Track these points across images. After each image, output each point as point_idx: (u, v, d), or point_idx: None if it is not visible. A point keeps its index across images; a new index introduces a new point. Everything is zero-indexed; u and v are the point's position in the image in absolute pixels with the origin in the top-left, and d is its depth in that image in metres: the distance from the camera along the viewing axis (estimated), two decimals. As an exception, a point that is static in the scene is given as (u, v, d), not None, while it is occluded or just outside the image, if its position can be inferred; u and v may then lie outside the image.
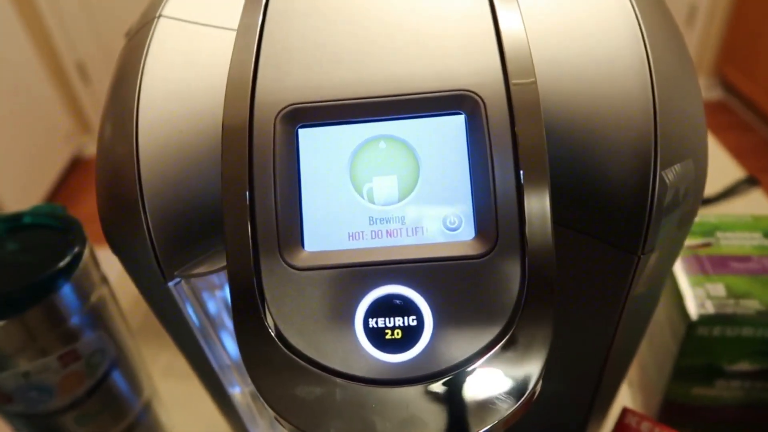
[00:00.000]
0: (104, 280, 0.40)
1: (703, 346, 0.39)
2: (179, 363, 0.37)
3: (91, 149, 2.32)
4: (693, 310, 0.38)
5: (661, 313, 0.43)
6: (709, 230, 0.43)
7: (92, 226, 0.38)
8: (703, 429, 0.44)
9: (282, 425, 0.22)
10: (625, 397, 0.50)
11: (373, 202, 0.22)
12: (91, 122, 2.38)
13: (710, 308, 0.38)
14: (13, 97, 1.98)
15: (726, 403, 0.42)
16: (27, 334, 0.34)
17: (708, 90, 2.36)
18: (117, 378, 0.40)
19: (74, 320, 0.36)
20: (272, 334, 0.22)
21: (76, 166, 2.33)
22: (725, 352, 0.39)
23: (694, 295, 0.39)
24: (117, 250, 0.27)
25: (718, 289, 0.39)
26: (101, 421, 0.40)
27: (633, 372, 0.50)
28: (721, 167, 0.73)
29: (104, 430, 0.40)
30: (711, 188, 0.65)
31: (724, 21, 2.23)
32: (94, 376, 0.38)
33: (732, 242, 0.42)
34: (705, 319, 0.38)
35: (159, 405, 0.47)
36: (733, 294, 0.39)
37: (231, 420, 0.37)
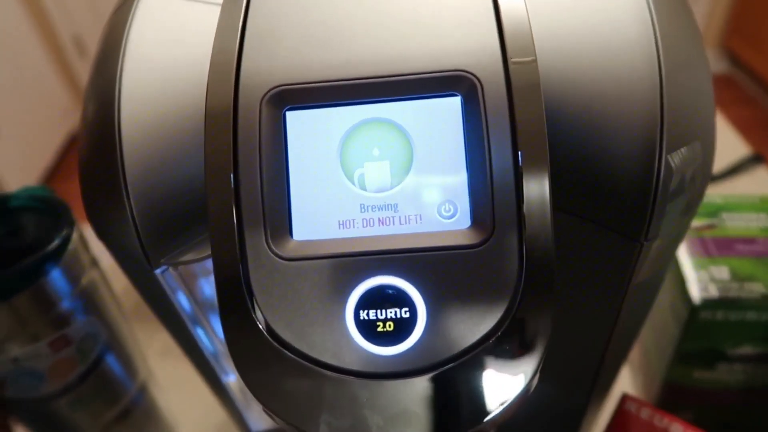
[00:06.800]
0: (95, 263, 0.39)
1: (705, 330, 0.38)
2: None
3: (89, 125, 2.29)
4: (696, 294, 0.37)
5: (663, 296, 0.42)
6: (714, 211, 0.42)
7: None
8: (704, 411, 0.44)
9: (272, 419, 0.22)
10: (625, 380, 0.49)
11: (365, 189, 0.21)
12: (89, 98, 2.35)
13: (714, 292, 0.37)
14: (9, 72, 1.96)
15: (727, 386, 0.41)
16: (16, 319, 0.34)
17: (713, 63, 2.32)
18: (110, 362, 0.40)
19: (64, 305, 0.35)
20: (260, 326, 0.21)
21: (75, 142, 2.31)
22: (728, 336, 0.38)
23: (698, 278, 0.38)
24: (102, 236, 0.26)
25: (722, 272, 0.38)
26: (95, 406, 0.40)
27: (634, 354, 0.50)
28: (727, 143, 0.71)
29: (99, 415, 0.40)
30: (716, 165, 0.64)
31: (731, -8, 2.18)
32: (86, 361, 0.38)
33: (737, 224, 0.41)
34: (708, 304, 0.37)
35: (155, 387, 0.46)
36: (737, 277, 0.38)
37: (226, 404, 0.36)
